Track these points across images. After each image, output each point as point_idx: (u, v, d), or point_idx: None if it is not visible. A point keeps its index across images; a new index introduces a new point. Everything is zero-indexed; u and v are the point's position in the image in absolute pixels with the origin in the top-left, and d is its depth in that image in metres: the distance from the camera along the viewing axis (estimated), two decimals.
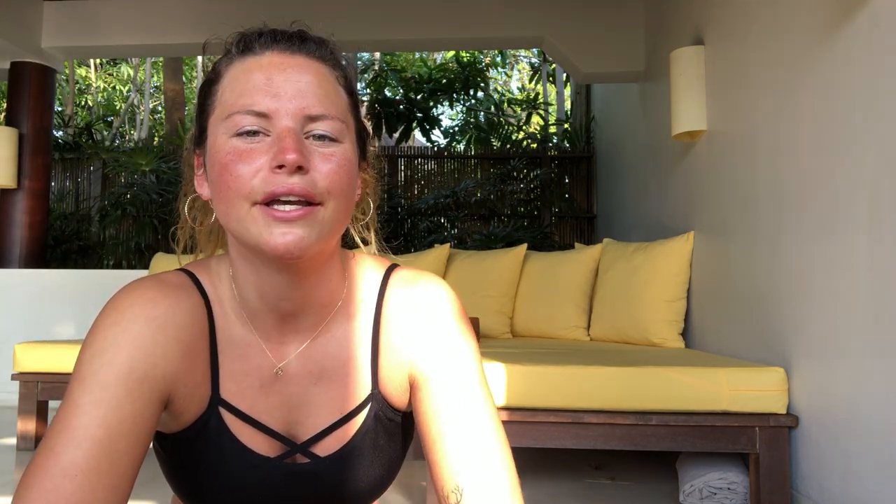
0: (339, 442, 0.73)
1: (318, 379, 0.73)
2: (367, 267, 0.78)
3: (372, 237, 0.82)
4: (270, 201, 0.61)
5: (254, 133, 0.62)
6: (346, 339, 0.74)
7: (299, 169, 0.61)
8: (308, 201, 0.62)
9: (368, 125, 0.78)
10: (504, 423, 1.99)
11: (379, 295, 0.75)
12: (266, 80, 0.63)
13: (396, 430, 0.77)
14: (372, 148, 0.80)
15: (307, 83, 0.63)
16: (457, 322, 0.73)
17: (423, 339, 0.72)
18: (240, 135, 0.62)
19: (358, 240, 0.82)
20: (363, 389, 0.74)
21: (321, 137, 0.63)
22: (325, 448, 0.73)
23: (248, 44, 0.66)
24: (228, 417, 0.71)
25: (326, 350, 0.73)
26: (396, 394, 0.75)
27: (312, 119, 0.63)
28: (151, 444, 0.73)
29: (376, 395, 0.74)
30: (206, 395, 0.70)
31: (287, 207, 0.61)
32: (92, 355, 0.63)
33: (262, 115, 0.62)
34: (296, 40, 0.66)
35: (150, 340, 0.64)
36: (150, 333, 0.64)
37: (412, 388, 0.73)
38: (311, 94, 0.63)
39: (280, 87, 0.62)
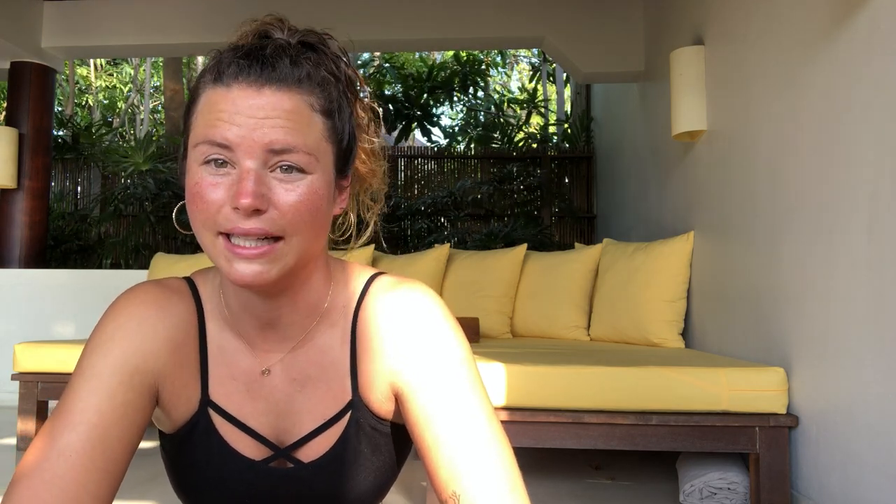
0: (321, 448, 0.74)
1: (303, 386, 0.75)
2: (355, 275, 0.78)
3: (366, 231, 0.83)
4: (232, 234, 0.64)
5: (221, 163, 0.63)
6: (328, 346, 0.75)
7: (256, 211, 0.62)
8: (270, 236, 0.64)
9: (365, 119, 0.77)
10: (504, 423, 2.00)
11: (358, 302, 0.76)
12: (230, 115, 0.62)
13: (382, 441, 0.76)
14: (375, 139, 0.79)
15: (273, 121, 0.62)
16: (440, 327, 0.72)
17: (405, 347, 0.72)
18: (207, 163, 0.63)
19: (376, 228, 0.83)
20: (344, 396, 0.75)
21: (288, 169, 0.63)
22: (308, 454, 0.75)
23: (218, 72, 0.65)
24: (217, 419, 0.74)
25: (309, 357, 0.75)
26: (379, 402, 0.75)
27: (277, 153, 0.63)
28: (160, 445, 0.79)
29: (356, 402, 0.75)
30: (195, 396, 0.74)
31: (247, 243, 0.63)
32: (92, 350, 0.69)
33: (226, 148, 0.62)
34: (267, 68, 0.63)
35: (140, 338, 0.70)
36: (140, 331, 0.70)
37: (400, 397, 0.72)
38: (279, 128, 0.62)
39: (244, 122, 0.62)
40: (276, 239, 0.64)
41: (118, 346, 0.69)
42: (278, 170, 0.63)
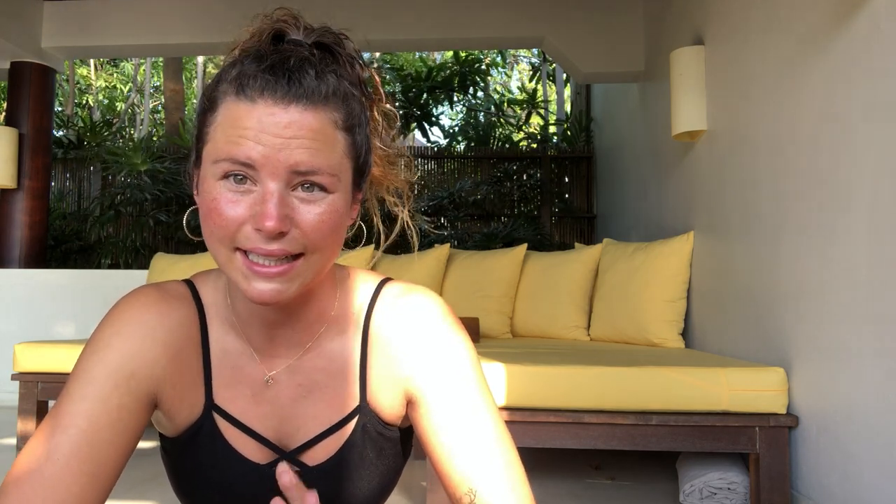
0: (326, 453, 0.75)
1: (309, 391, 0.75)
2: (361, 282, 0.78)
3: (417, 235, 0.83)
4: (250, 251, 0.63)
5: (241, 178, 0.62)
6: (336, 353, 0.75)
7: (280, 234, 0.62)
8: (290, 255, 0.64)
9: (380, 125, 0.77)
10: (504, 423, 2.00)
11: (368, 309, 0.76)
12: (255, 133, 0.61)
13: (388, 445, 0.77)
14: (387, 148, 0.79)
15: (299, 141, 0.62)
16: (449, 334, 0.74)
17: (416, 354, 0.73)
18: (226, 177, 0.63)
19: (413, 233, 0.83)
20: (351, 402, 0.75)
21: (310, 187, 0.63)
22: (313, 458, 0.75)
23: (241, 85, 0.63)
24: (222, 423, 0.74)
25: (316, 364, 0.75)
26: (389, 408, 0.75)
27: (301, 174, 0.62)
28: (160, 446, 0.78)
29: (364, 408, 0.75)
30: (199, 400, 0.74)
31: (267, 262, 0.63)
32: (89, 353, 0.69)
33: (249, 167, 0.62)
34: (294, 84, 0.62)
35: (138, 342, 0.70)
36: (139, 336, 0.70)
37: (413, 402, 0.74)
38: (304, 149, 0.62)
39: (269, 141, 0.61)
40: (296, 256, 0.64)
41: (115, 350, 0.68)
42: (300, 188, 0.63)
